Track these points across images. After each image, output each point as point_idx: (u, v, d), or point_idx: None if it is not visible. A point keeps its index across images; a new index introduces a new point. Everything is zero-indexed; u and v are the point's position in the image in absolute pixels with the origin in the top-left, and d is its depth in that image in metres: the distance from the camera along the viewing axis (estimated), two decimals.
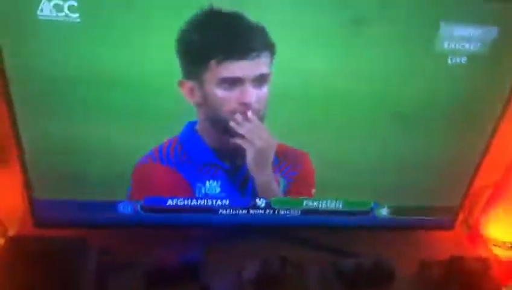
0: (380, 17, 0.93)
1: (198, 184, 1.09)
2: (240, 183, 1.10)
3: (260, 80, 0.95)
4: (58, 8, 0.84)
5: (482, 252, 1.29)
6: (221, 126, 1.00)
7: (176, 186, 1.08)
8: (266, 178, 1.07)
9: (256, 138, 1.01)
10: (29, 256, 0.97)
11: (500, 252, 1.29)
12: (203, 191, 1.10)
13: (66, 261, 0.98)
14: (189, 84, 0.95)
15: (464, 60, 1.01)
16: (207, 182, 1.09)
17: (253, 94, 0.95)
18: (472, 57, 1.00)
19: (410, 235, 1.31)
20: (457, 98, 1.06)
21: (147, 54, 0.91)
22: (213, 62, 0.92)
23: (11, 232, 1.17)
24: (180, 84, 0.94)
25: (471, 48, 0.99)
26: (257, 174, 1.06)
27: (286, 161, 1.08)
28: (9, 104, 0.94)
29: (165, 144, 1.03)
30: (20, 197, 1.14)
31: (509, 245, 1.25)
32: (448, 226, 1.28)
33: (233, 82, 0.94)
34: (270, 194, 1.12)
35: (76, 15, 0.85)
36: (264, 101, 0.97)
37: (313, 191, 1.14)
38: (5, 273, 0.94)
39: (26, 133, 0.98)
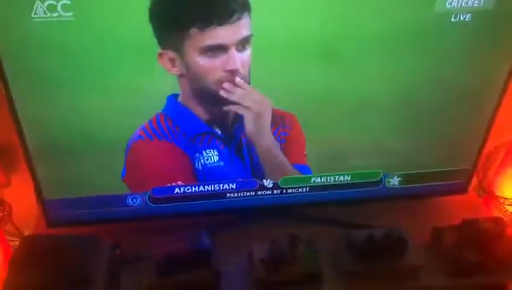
0: None
1: (197, 154, 1.07)
2: (236, 150, 1.08)
3: (243, 43, 0.91)
4: (51, 8, 0.84)
5: (497, 213, 1.26)
6: (208, 96, 0.97)
7: (178, 159, 1.07)
8: (268, 142, 1.05)
9: (251, 103, 0.98)
10: (43, 254, 0.99)
11: None
12: (202, 162, 1.08)
13: (78, 258, 1.00)
14: (170, 54, 0.91)
15: (468, 16, 0.97)
16: (204, 152, 1.07)
17: (238, 59, 0.92)
18: (477, 14, 0.96)
19: (423, 203, 1.29)
20: (465, 58, 1.03)
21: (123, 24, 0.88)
22: (194, 30, 0.89)
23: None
24: (160, 55, 0.91)
25: (475, 4, 0.95)
26: (259, 140, 1.03)
27: (275, 122, 1.04)
28: (12, 108, 0.95)
29: (153, 119, 1.01)
30: (33, 200, 1.17)
31: None
32: (462, 190, 1.26)
33: (217, 49, 0.91)
34: (274, 160, 1.09)
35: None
36: (248, 65, 0.94)
37: (305, 155, 1.12)
38: (20, 272, 0.97)
39: (29, 132, 0.99)
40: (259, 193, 1.17)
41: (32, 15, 0.84)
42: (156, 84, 0.96)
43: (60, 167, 1.05)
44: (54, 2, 0.83)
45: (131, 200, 1.12)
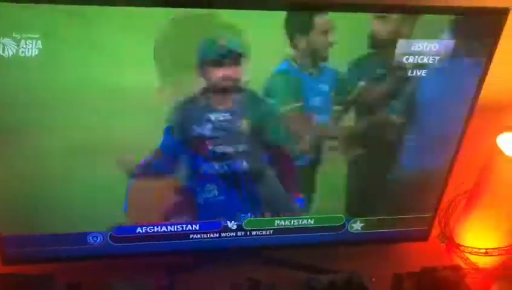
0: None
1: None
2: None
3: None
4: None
5: (458, 261, 1.28)
6: None
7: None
8: None
9: None
10: None
11: (478, 260, 1.28)
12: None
13: None
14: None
15: (424, 72, 1.02)
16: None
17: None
18: (431, 69, 1.01)
19: (386, 248, 1.31)
20: (421, 109, 1.08)
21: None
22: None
23: None
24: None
25: (429, 61, 1.01)
26: None
27: None
28: None
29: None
30: None
31: (484, 251, 1.24)
32: (423, 237, 1.28)
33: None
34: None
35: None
36: None
37: None
38: None
39: None
40: (223, 234, 1.16)
41: None
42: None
43: (16, 204, 1.03)
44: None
45: (92, 238, 1.11)
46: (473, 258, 1.28)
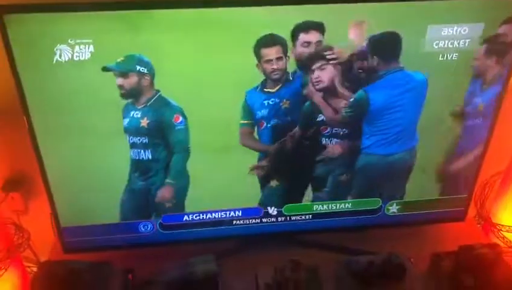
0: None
1: None
2: None
3: None
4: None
5: (495, 240, 1.30)
6: None
7: None
8: None
9: None
10: (59, 279, 1.05)
11: None
12: None
13: (92, 283, 1.06)
14: None
15: (455, 55, 1.05)
16: None
17: None
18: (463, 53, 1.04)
19: (422, 229, 1.33)
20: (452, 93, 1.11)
21: None
22: None
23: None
24: None
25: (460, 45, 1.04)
26: None
27: None
28: (33, 138, 1.03)
29: None
30: (49, 227, 1.24)
31: None
32: (460, 217, 1.30)
33: None
34: None
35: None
36: None
37: None
38: None
39: (49, 163, 1.07)
40: (264, 220, 1.22)
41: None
42: None
43: (76, 196, 1.12)
44: None
45: (143, 227, 1.19)
46: (510, 236, 1.30)
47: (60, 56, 0.93)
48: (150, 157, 1.08)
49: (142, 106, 1.03)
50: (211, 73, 1.00)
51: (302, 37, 0.99)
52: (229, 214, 1.20)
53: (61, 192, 1.11)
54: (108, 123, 1.03)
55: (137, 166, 1.09)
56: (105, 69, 0.96)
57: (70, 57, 0.94)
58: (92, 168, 1.08)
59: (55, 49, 0.93)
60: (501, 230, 1.31)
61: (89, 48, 0.94)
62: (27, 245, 1.24)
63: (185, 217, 1.19)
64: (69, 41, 0.92)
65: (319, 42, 1.00)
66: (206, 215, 1.19)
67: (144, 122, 1.04)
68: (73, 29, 0.91)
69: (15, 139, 1.22)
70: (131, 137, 1.05)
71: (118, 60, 0.96)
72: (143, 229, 1.19)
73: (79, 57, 0.94)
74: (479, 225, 1.41)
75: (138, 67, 0.98)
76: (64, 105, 1.00)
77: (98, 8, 0.90)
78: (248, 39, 0.97)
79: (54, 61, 0.94)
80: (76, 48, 0.93)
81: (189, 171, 1.11)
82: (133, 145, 1.06)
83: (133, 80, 0.99)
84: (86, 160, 1.07)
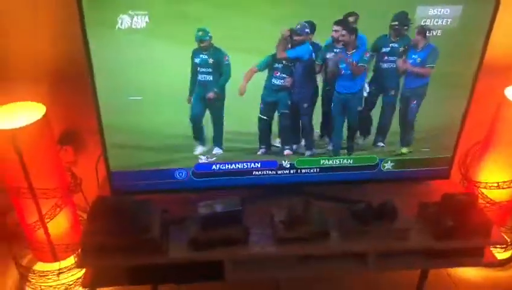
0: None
1: None
2: None
3: None
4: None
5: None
6: None
7: None
8: None
9: None
10: (111, 210, 1.27)
11: (492, 194, 1.53)
12: None
13: (137, 215, 1.29)
14: None
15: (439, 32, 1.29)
16: None
17: None
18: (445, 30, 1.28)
19: (412, 186, 1.55)
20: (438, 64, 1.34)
21: None
22: None
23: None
24: None
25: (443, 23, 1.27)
26: None
27: None
28: (95, 95, 1.26)
29: None
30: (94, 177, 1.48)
31: (496, 185, 1.49)
32: (445, 175, 1.53)
33: None
34: None
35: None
36: None
37: None
38: (95, 222, 1.26)
39: (106, 120, 1.30)
40: (279, 172, 1.45)
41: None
42: None
43: (125, 147, 1.36)
44: None
45: (178, 174, 1.42)
46: (488, 193, 1.53)
47: (121, 24, 1.17)
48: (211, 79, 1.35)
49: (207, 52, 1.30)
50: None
51: None
52: (250, 165, 1.43)
53: (113, 143, 1.34)
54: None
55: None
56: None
57: (129, 25, 1.17)
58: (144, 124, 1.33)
59: (117, 18, 1.16)
60: (479, 187, 1.54)
61: (144, 18, 1.17)
62: (79, 188, 1.47)
63: (213, 166, 1.42)
64: (130, 12, 1.16)
65: None
66: (230, 165, 1.42)
67: (210, 61, 1.32)
68: (133, 2, 1.15)
69: (72, 101, 1.46)
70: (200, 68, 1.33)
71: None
72: (178, 176, 1.42)
73: (136, 25, 1.18)
74: (463, 186, 1.64)
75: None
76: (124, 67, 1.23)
77: None
78: None
79: (116, 28, 1.17)
80: (135, 18, 1.17)
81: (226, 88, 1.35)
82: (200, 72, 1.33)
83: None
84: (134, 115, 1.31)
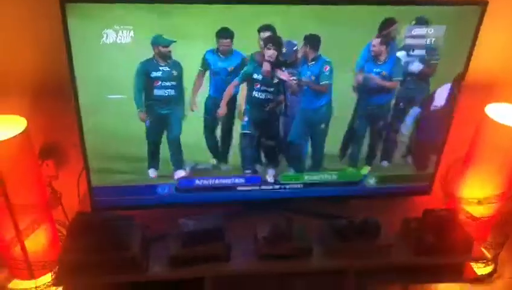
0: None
1: None
2: None
3: None
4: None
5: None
6: None
7: None
8: None
9: None
10: (91, 226, 1.25)
11: (473, 210, 1.55)
12: None
13: (118, 231, 1.27)
14: None
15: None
16: None
17: None
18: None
19: (395, 201, 1.57)
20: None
21: None
22: None
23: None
24: None
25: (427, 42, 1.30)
26: None
27: None
28: (77, 109, 1.25)
29: None
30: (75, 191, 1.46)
31: (476, 201, 1.51)
32: (426, 191, 1.55)
33: None
34: None
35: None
36: None
37: None
38: (75, 239, 1.24)
39: (88, 131, 1.28)
40: (263, 187, 1.45)
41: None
42: None
43: (103, 160, 1.34)
44: None
45: (161, 189, 1.40)
46: (469, 209, 1.55)
47: (106, 38, 1.16)
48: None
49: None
50: None
51: None
52: (234, 180, 1.43)
53: (95, 156, 1.33)
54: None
55: None
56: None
57: (114, 39, 1.17)
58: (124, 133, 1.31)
59: (102, 32, 1.16)
60: (460, 203, 1.56)
61: (129, 33, 1.17)
62: (59, 202, 1.45)
63: (196, 181, 1.41)
64: (115, 26, 1.15)
65: None
66: (214, 181, 1.41)
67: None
68: (119, 16, 1.15)
69: (53, 114, 1.43)
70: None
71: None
72: (160, 191, 1.41)
73: (121, 40, 1.17)
74: (444, 202, 1.66)
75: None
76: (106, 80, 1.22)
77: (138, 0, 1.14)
78: None
79: (101, 43, 1.17)
80: (120, 33, 1.16)
81: None
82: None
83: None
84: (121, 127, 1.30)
